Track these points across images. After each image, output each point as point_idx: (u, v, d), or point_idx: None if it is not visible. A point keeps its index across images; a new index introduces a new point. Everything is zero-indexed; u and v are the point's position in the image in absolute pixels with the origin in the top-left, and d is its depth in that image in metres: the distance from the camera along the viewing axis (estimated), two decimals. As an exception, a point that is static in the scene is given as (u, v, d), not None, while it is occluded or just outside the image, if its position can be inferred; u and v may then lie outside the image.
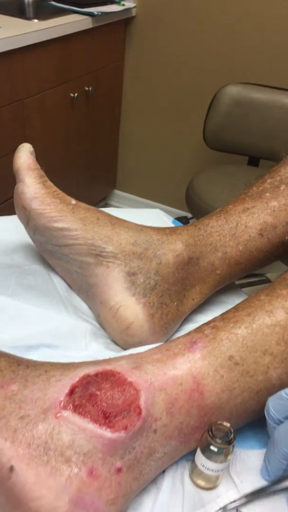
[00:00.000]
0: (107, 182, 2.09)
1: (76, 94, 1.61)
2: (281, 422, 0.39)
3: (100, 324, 0.53)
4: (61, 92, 1.56)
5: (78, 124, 1.71)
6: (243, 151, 1.67)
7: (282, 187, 0.57)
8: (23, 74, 1.36)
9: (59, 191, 0.53)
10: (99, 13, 1.54)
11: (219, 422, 0.38)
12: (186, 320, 0.56)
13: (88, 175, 1.88)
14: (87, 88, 1.67)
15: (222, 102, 1.61)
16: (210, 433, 0.37)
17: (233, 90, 1.60)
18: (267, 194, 0.57)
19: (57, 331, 0.49)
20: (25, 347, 0.46)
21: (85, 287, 0.53)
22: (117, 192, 2.17)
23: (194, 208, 1.54)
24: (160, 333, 0.51)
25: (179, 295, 0.53)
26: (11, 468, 0.33)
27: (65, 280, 0.57)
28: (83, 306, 0.55)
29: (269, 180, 0.59)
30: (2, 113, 1.33)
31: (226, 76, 1.69)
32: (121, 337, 0.51)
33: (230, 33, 1.67)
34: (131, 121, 1.97)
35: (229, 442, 0.37)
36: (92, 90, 1.69)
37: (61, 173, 1.66)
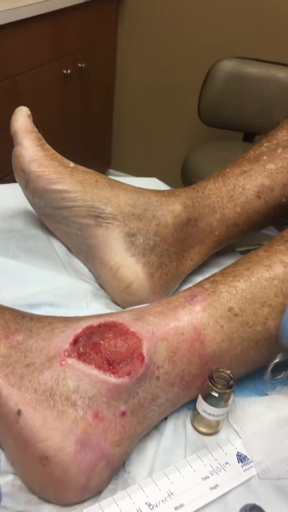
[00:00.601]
0: (101, 162, 2.09)
1: (69, 71, 1.60)
2: None
3: (101, 285, 0.54)
4: (54, 69, 1.55)
5: (72, 102, 1.70)
6: (238, 127, 1.66)
7: (279, 150, 0.58)
8: (15, 50, 1.35)
9: (57, 154, 0.53)
10: (91, -13, 1.52)
11: (219, 369, 0.39)
12: (185, 281, 0.56)
13: (83, 155, 1.87)
14: (80, 65, 1.66)
15: (216, 78, 1.60)
16: (211, 379, 0.38)
17: (228, 65, 1.59)
18: (264, 157, 0.58)
19: (58, 290, 0.50)
20: (27, 305, 0.47)
21: (85, 249, 0.54)
22: (112, 171, 2.16)
23: (189, 185, 1.54)
24: (160, 293, 0.52)
25: (178, 255, 0.54)
26: (19, 412, 0.34)
27: (64, 244, 0.57)
28: (83, 268, 0.55)
29: (266, 144, 0.60)
30: (-6, 89, 1.32)
31: (221, 50, 1.68)
32: (122, 297, 0.52)
33: (225, 6, 1.65)
34: (125, 98, 1.96)
35: (230, 387, 0.38)
36: (85, 67, 1.68)
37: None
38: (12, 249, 0.54)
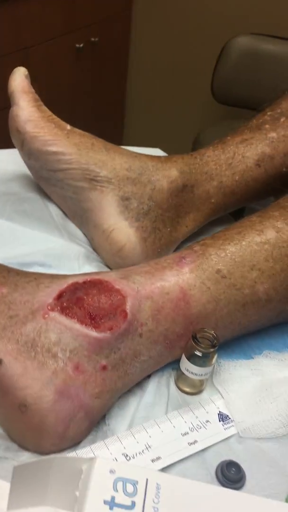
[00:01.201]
0: (113, 138, 2.06)
1: (81, 45, 1.58)
2: None
3: (94, 248, 0.54)
4: (67, 42, 1.53)
5: (84, 76, 1.68)
6: (252, 105, 1.62)
7: (282, 119, 0.57)
8: (29, 21, 1.34)
9: (54, 116, 0.53)
10: None
11: (203, 329, 0.39)
12: (179, 248, 0.56)
13: (94, 131, 1.86)
14: (93, 39, 1.64)
15: (231, 54, 1.57)
16: (194, 339, 0.38)
17: (243, 41, 1.56)
18: (267, 126, 0.57)
19: (50, 251, 0.50)
20: (18, 264, 0.47)
21: (79, 213, 0.54)
22: (124, 147, 2.15)
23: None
24: (152, 257, 0.52)
25: (172, 221, 0.53)
26: (0, 361, 0.35)
27: (60, 208, 0.57)
28: (78, 232, 0.55)
29: (269, 113, 0.59)
30: (6, 62, 1.32)
31: (237, 26, 1.64)
32: (114, 260, 0.52)
33: (241, -19, 1.61)
34: (138, 74, 1.94)
35: (213, 346, 0.38)
36: (98, 41, 1.66)
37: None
38: (7, 211, 0.54)
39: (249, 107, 1.63)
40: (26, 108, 0.51)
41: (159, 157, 0.55)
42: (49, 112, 0.53)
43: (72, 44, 1.56)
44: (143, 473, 0.29)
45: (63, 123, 0.53)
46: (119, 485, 0.28)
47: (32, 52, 1.39)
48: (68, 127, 0.53)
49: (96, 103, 1.82)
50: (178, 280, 0.41)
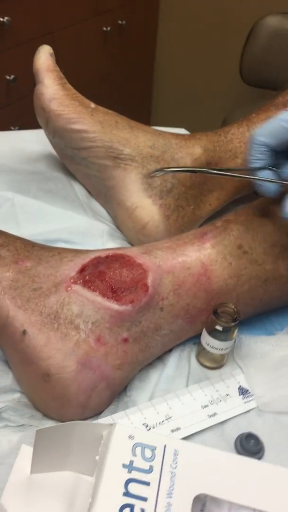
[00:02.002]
0: (141, 121, 2.07)
1: (109, 28, 1.57)
2: None
3: (117, 226, 0.54)
4: (94, 26, 1.53)
5: (111, 60, 1.67)
6: (281, 87, 1.60)
7: None
8: (55, 5, 1.33)
9: (79, 94, 0.53)
10: None
11: (224, 303, 0.39)
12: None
13: (122, 113, 1.86)
14: (120, 22, 1.62)
15: (260, 34, 1.53)
16: (215, 313, 0.38)
17: (273, 21, 1.52)
18: (292, 103, 0.56)
19: (75, 228, 0.51)
20: (43, 241, 0.48)
21: (103, 191, 0.55)
22: (151, 133, 2.14)
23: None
24: (175, 235, 0.52)
25: (196, 199, 0.53)
26: (24, 332, 0.36)
27: (84, 187, 0.58)
28: (102, 210, 0.56)
29: None
30: (34, 46, 1.31)
31: (267, 5, 1.60)
32: (137, 237, 0.52)
33: None
34: (166, 56, 1.92)
35: (234, 320, 0.38)
36: (126, 24, 1.64)
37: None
38: (33, 190, 0.55)
39: (278, 89, 1.60)
40: (51, 86, 0.51)
41: (182, 135, 0.55)
42: (74, 90, 0.53)
43: (99, 27, 1.55)
44: (161, 440, 0.29)
45: (87, 101, 0.54)
46: (138, 450, 0.28)
47: (59, 36, 1.39)
48: (92, 105, 0.53)
49: (123, 86, 1.81)
50: (199, 255, 0.41)
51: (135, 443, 0.29)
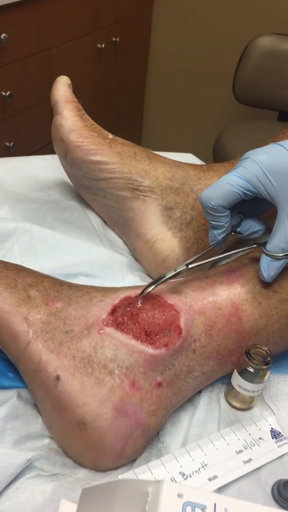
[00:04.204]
0: (132, 137, 2.06)
1: (103, 45, 1.58)
2: None
3: (136, 257, 0.54)
4: (89, 43, 1.53)
5: (105, 76, 1.68)
6: (273, 106, 1.62)
7: None
8: (52, 22, 1.33)
9: (96, 125, 0.53)
10: None
11: (257, 344, 0.39)
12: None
13: (113, 129, 1.85)
14: (114, 39, 1.63)
15: (253, 54, 1.55)
16: (248, 354, 0.38)
17: (266, 42, 1.54)
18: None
19: (94, 261, 0.50)
20: (63, 275, 0.47)
21: (120, 222, 0.54)
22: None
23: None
24: (195, 267, 0.52)
25: (214, 231, 0.53)
26: (58, 377, 0.35)
27: (100, 216, 0.57)
28: (118, 240, 0.55)
29: None
30: (30, 62, 1.31)
31: (259, 26, 1.63)
32: (157, 270, 0.51)
33: (264, -20, 1.60)
34: (158, 73, 1.93)
35: (267, 363, 0.38)
36: (120, 41, 1.65)
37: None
38: (49, 220, 0.54)
39: (271, 108, 1.62)
40: (70, 118, 0.51)
41: (200, 166, 0.55)
42: (92, 121, 0.53)
43: (94, 44, 1.56)
44: (210, 497, 0.28)
45: (105, 132, 0.53)
46: (188, 509, 0.28)
47: (55, 52, 1.39)
48: (110, 135, 0.53)
49: (116, 102, 1.82)
50: (229, 294, 0.40)
51: (185, 502, 0.28)
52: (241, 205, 0.41)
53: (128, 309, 0.38)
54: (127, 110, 1.93)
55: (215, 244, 0.43)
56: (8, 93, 1.25)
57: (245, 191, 0.39)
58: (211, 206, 0.40)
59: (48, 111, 1.56)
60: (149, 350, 0.36)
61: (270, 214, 0.44)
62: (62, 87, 0.52)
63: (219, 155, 1.50)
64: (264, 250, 0.40)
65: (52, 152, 0.56)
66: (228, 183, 0.39)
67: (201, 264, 0.41)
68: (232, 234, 0.43)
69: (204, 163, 0.75)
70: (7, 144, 1.32)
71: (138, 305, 0.38)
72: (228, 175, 0.39)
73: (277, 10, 1.62)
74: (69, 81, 0.53)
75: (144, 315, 0.38)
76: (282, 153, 0.39)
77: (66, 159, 0.53)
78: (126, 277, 0.51)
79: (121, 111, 1.88)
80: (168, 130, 2.04)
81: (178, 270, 0.39)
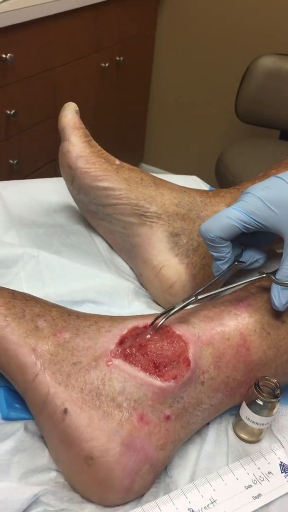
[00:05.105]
0: (134, 155, 2.08)
1: (107, 64, 1.59)
2: None
3: (142, 283, 0.54)
4: (92, 62, 1.55)
5: (108, 95, 1.69)
6: (275, 125, 1.63)
7: None
8: (56, 42, 1.35)
9: (103, 151, 0.53)
10: (133, -20, 1.51)
11: (266, 377, 0.38)
12: (228, 283, 0.55)
13: (116, 147, 1.85)
14: (118, 58, 1.65)
15: (255, 74, 1.57)
16: (257, 387, 0.38)
17: (268, 62, 1.56)
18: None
19: (101, 288, 0.50)
20: (70, 302, 0.47)
21: (127, 247, 0.54)
22: (144, 165, 2.16)
23: (223, 182, 1.52)
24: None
25: (221, 257, 0.53)
26: (65, 411, 0.34)
27: (106, 241, 0.57)
28: (124, 266, 0.55)
29: None
30: (34, 81, 1.33)
31: (261, 46, 1.65)
32: (163, 297, 0.51)
33: (266, 2, 1.62)
34: (161, 92, 1.94)
35: (276, 396, 0.37)
36: (123, 60, 1.67)
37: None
38: (55, 244, 0.54)
39: (273, 127, 1.64)
40: (78, 144, 0.51)
41: (207, 191, 0.55)
42: (99, 147, 0.53)
43: (97, 63, 1.57)
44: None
45: (112, 157, 0.53)
46: None
47: (59, 71, 1.40)
48: (117, 161, 0.53)
49: (118, 120, 1.83)
50: (237, 324, 0.40)
51: None
52: (242, 237, 0.42)
53: (137, 340, 0.38)
54: (130, 127, 1.94)
55: (220, 274, 0.43)
56: (13, 111, 1.27)
57: (245, 225, 0.40)
58: (209, 237, 0.41)
59: (52, 129, 1.57)
60: (158, 382, 0.36)
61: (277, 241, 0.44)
62: (69, 114, 0.52)
63: (222, 172, 1.51)
64: (274, 279, 0.40)
65: (55, 169, 0.56)
66: (227, 217, 0.40)
67: (211, 295, 0.41)
68: (236, 263, 0.43)
69: (208, 185, 0.76)
70: (11, 161, 1.33)
71: (147, 336, 0.38)
72: (229, 209, 0.40)
73: (279, 30, 1.64)
74: (77, 108, 0.53)
75: (153, 346, 0.37)
76: (282, 185, 0.39)
77: (73, 185, 0.53)
78: (133, 303, 0.50)
79: (124, 128, 1.89)
80: (171, 148, 2.05)
81: (187, 301, 0.39)
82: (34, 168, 1.43)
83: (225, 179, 1.50)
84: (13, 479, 0.35)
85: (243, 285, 0.43)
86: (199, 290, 0.41)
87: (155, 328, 0.38)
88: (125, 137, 1.93)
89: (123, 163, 0.54)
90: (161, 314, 0.39)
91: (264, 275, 0.41)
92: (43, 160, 1.51)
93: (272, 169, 0.58)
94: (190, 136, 1.98)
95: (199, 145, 1.96)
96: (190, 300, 0.40)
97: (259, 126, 1.64)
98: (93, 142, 0.53)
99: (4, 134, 1.31)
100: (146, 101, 1.97)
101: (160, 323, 0.38)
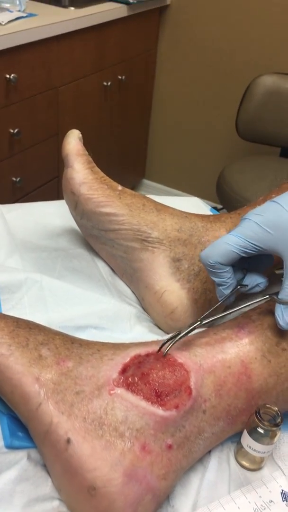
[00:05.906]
0: (136, 171, 2.10)
1: (109, 83, 1.62)
2: None
3: (144, 308, 0.54)
4: (95, 81, 1.57)
5: (110, 113, 1.71)
6: (276, 142, 1.65)
7: None
8: (59, 62, 1.37)
9: (106, 177, 0.54)
10: (135, 1, 1.54)
11: (266, 405, 0.39)
12: (230, 307, 0.56)
13: (118, 164, 1.89)
14: (120, 77, 1.67)
15: (256, 92, 1.59)
16: (258, 415, 0.38)
17: (268, 80, 1.58)
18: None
19: (103, 313, 0.50)
20: (73, 327, 0.48)
21: (129, 272, 0.54)
22: (146, 181, 2.17)
23: (224, 199, 1.53)
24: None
25: (222, 282, 0.53)
26: (68, 441, 0.35)
27: (108, 265, 0.58)
28: (127, 290, 0.56)
29: None
30: (37, 101, 1.35)
31: (261, 65, 1.67)
32: (165, 322, 0.52)
33: (266, 21, 1.64)
34: (162, 110, 1.97)
35: (277, 425, 0.38)
36: (125, 79, 1.69)
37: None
38: (58, 268, 0.55)
39: (273, 144, 1.65)
40: (81, 171, 0.52)
41: (208, 216, 0.56)
42: (102, 173, 0.54)
43: (100, 82, 1.59)
44: None
45: (114, 183, 0.54)
46: None
47: (62, 91, 1.42)
48: (119, 187, 0.54)
49: (121, 138, 1.85)
50: (238, 352, 0.41)
51: None
52: (243, 262, 0.43)
53: (139, 368, 0.38)
54: (132, 144, 1.96)
55: (224, 299, 0.44)
56: (16, 130, 1.28)
57: (242, 249, 0.41)
58: (209, 264, 0.42)
59: (54, 147, 1.58)
60: (160, 411, 0.36)
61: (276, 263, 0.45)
62: (73, 141, 0.53)
63: (223, 190, 1.52)
64: (277, 299, 0.40)
65: (57, 186, 0.57)
66: (226, 243, 0.41)
67: (215, 319, 0.41)
68: (238, 288, 0.44)
69: (209, 206, 0.77)
70: (14, 179, 1.35)
71: (149, 365, 0.38)
72: (227, 236, 0.42)
73: (279, 50, 1.67)
74: (80, 135, 0.54)
75: (155, 375, 0.38)
76: (277, 208, 0.40)
77: (77, 211, 0.54)
78: (135, 327, 0.51)
79: (126, 145, 1.91)
80: (172, 165, 2.07)
81: (193, 326, 0.40)
82: (37, 185, 1.44)
83: (227, 196, 1.51)
84: (16, 508, 0.35)
85: (247, 307, 0.43)
86: (204, 315, 0.41)
87: (163, 354, 0.39)
88: (127, 154, 1.95)
89: (126, 189, 0.54)
90: (168, 340, 0.39)
91: (267, 297, 0.42)
92: (46, 177, 1.52)
93: (272, 193, 0.59)
94: (192, 152, 1.99)
95: (201, 161, 1.98)
96: (195, 325, 0.40)
97: (260, 143, 1.65)
98: (96, 168, 0.54)
99: (8, 152, 1.32)
100: (147, 118, 2.00)
101: (167, 349, 0.38)
